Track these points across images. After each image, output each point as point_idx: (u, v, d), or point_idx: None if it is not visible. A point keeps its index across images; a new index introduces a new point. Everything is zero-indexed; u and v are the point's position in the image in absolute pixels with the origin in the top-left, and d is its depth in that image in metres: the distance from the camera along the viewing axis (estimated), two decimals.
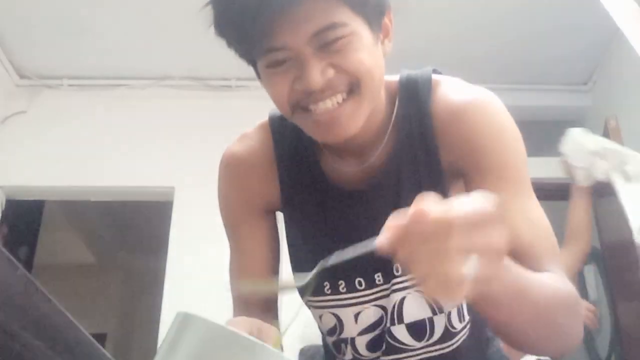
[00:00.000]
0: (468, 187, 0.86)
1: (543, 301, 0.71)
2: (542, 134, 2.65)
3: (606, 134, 2.76)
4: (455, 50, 3.09)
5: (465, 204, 0.54)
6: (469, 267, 0.52)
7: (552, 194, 2.21)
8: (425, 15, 3.07)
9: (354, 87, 0.81)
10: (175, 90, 3.48)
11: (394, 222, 0.55)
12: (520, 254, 0.72)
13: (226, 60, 0.93)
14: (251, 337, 0.50)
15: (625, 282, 2.17)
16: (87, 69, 3.43)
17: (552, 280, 0.75)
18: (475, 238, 0.53)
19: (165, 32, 3.05)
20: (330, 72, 0.79)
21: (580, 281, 2.95)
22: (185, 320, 0.52)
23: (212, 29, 0.82)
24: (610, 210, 2.25)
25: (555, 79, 3.53)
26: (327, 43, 0.78)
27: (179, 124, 3.39)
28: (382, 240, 0.55)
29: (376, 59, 0.83)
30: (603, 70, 3.42)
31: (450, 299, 0.56)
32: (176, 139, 3.33)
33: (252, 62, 0.86)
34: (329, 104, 0.80)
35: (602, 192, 2.18)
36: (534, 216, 0.82)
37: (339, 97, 0.80)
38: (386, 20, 0.87)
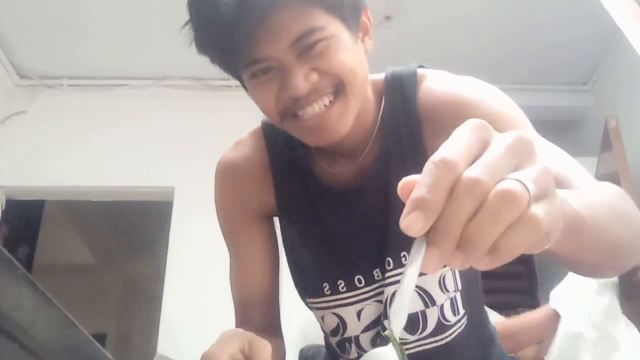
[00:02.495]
0: None
1: (604, 220, 0.59)
2: (542, 134, 2.63)
3: (606, 134, 2.76)
4: (452, 49, 3.08)
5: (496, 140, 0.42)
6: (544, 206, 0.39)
7: None
8: (424, 14, 3.07)
9: (339, 88, 0.82)
10: (175, 90, 3.48)
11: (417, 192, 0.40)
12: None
13: None
14: None
15: (625, 282, 2.17)
16: (87, 69, 3.43)
17: (602, 193, 0.66)
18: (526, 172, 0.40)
19: (165, 32, 3.03)
20: (314, 76, 0.80)
21: None
22: None
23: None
24: None
25: (555, 79, 3.53)
26: (307, 48, 0.79)
27: (179, 124, 3.39)
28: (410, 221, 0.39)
29: (358, 58, 0.84)
30: (603, 70, 3.42)
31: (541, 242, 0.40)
32: (176, 139, 3.33)
33: (237, 75, 0.86)
34: (316, 107, 0.81)
35: None
36: (553, 153, 0.80)
37: (326, 100, 0.81)
38: (364, 18, 0.88)
